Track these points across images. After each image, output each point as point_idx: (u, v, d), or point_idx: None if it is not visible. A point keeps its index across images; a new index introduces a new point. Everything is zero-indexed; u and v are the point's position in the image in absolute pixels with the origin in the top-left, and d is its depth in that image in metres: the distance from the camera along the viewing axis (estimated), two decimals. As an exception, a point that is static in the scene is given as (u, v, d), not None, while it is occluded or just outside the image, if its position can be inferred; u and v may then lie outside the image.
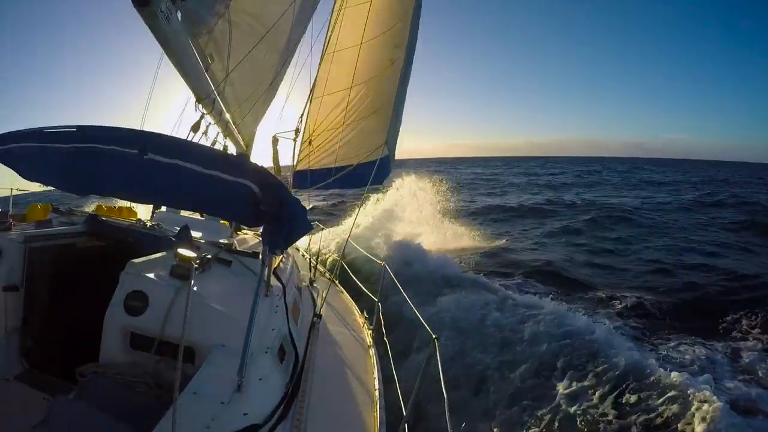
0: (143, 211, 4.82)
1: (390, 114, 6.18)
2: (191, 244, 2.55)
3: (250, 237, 4.51)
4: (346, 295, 5.64)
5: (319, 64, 5.74)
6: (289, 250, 4.20)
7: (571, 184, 36.60)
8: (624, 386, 4.94)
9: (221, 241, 3.13)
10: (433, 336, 2.48)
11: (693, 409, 4.43)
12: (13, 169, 1.90)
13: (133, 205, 5.44)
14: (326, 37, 5.77)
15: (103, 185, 1.77)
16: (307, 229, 1.93)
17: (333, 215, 17.68)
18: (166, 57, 2.44)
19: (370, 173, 5.51)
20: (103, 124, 2.24)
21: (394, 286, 4.11)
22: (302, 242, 7.26)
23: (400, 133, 6.77)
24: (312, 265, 5.69)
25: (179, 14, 2.22)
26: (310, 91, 5.41)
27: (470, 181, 39.21)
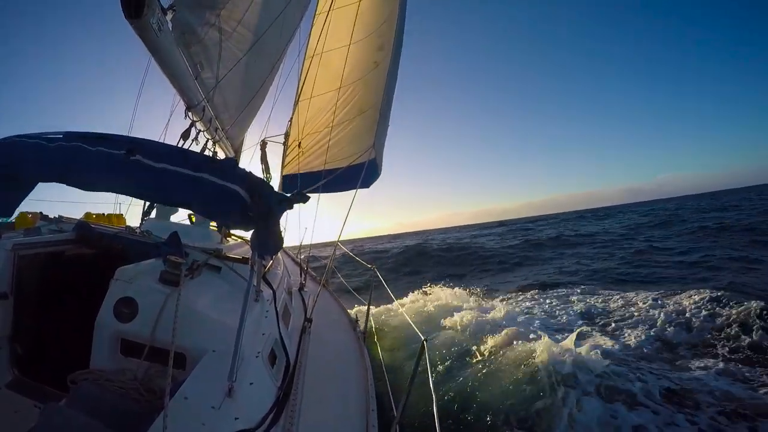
0: (132, 219, 4.80)
1: (377, 117, 6.20)
2: (180, 250, 2.56)
3: (240, 243, 4.51)
4: (337, 299, 5.67)
5: (308, 67, 5.76)
6: (280, 255, 4.21)
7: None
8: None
9: (211, 247, 3.14)
10: (422, 338, 2.51)
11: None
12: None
13: (122, 212, 5.41)
14: (315, 40, 5.79)
15: (88, 179, 1.69)
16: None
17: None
18: (152, 65, 2.45)
19: (359, 176, 5.50)
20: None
21: (383, 289, 4.16)
22: (293, 246, 7.27)
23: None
24: (302, 269, 5.71)
25: (170, 24, 2.24)
26: (297, 93, 5.42)
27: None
